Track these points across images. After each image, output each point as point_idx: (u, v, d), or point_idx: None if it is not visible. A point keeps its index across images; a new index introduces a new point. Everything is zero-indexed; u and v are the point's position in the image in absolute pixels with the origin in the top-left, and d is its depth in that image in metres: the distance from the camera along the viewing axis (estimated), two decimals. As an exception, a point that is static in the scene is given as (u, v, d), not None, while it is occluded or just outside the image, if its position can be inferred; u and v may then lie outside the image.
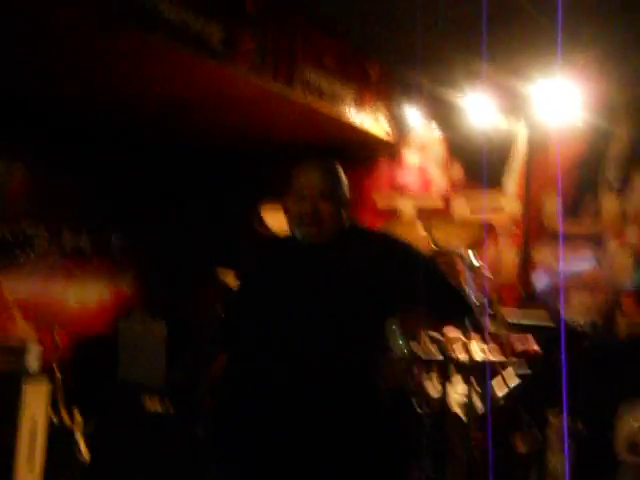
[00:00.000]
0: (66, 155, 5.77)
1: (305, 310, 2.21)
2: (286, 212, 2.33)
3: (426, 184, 5.94)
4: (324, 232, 2.26)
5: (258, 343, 2.23)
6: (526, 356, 4.39)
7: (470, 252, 3.91)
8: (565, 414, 4.17)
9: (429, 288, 2.11)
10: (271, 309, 2.26)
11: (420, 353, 3.64)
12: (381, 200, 5.96)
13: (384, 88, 5.68)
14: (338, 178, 2.33)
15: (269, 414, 2.15)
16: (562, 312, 5.08)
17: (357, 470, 2.10)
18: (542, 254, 5.38)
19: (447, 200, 5.77)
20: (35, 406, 4.36)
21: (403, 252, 2.29)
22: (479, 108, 5.35)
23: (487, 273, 4.17)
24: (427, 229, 4.04)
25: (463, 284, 3.18)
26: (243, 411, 2.21)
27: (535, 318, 4.79)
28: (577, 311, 5.04)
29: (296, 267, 2.29)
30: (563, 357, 3.93)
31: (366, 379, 2.15)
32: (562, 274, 5.29)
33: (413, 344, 3.50)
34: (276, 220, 4.54)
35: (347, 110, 5.27)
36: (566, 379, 4.14)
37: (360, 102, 5.41)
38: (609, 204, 5.20)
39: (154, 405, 4.52)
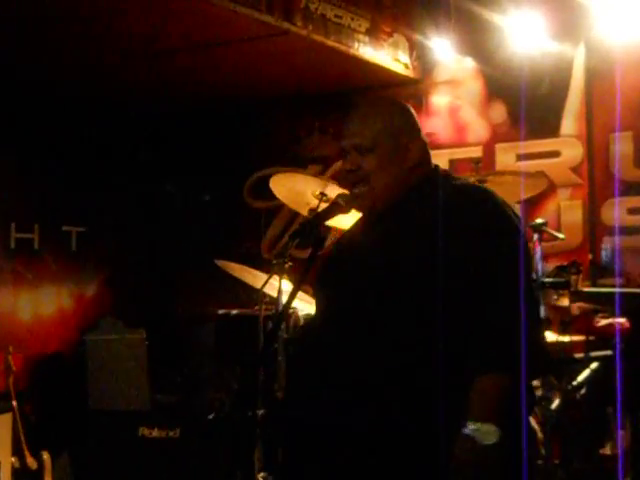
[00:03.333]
0: (4, 129, 5.87)
1: (342, 290, 2.36)
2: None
3: (460, 130, 6.08)
4: (374, 195, 2.36)
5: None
6: (609, 332, 4.52)
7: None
8: None
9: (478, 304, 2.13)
10: (325, 285, 2.44)
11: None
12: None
13: (402, 13, 5.84)
14: (383, 124, 2.35)
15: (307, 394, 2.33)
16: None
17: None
18: (612, 209, 5.52)
19: (488, 149, 5.92)
20: (-5, 445, 4.50)
21: (475, 229, 2.23)
22: (525, 30, 5.45)
23: (555, 233, 4.30)
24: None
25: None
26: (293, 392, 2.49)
27: (612, 286, 4.94)
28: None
29: (350, 240, 2.47)
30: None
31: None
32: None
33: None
34: (287, 190, 4.62)
35: (358, 44, 5.43)
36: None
37: (374, 32, 5.57)
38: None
39: (149, 431, 4.64)
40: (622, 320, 4.48)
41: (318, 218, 2.75)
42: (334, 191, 3.95)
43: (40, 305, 6.17)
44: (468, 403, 2.07)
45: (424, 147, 2.41)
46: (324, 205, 4.02)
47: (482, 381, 2.06)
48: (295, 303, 4.86)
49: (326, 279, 2.45)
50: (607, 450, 4.90)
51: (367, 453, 2.14)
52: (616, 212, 5.49)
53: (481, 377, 2.06)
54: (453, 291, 2.14)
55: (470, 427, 2.03)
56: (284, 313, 3.99)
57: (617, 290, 4.66)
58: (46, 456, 5.03)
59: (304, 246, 2.66)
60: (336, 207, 2.71)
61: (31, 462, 4.95)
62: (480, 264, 2.17)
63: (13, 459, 4.78)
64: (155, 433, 4.65)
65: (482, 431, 2.03)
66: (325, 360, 2.28)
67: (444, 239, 2.18)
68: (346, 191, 2.59)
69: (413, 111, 2.47)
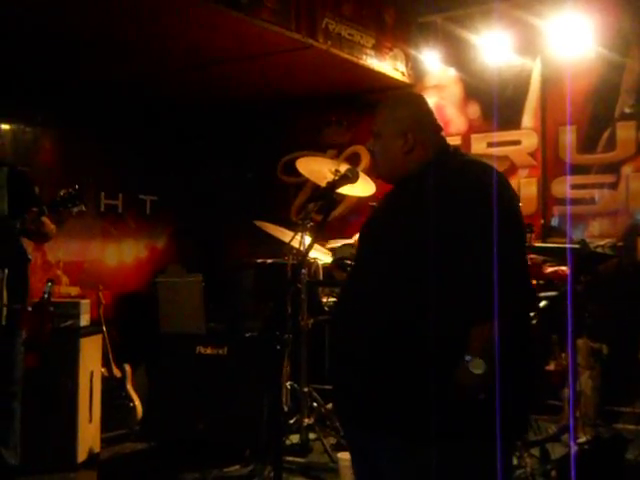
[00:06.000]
0: (97, 121, 5.96)
1: (359, 254, 2.31)
2: None
3: (444, 124, 5.99)
4: (382, 174, 2.27)
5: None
6: (554, 277, 4.55)
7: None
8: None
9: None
10: (359, 243, 2.35)
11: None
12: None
13: (400, 32, 5.80)
14: (387, 115, 2.22)
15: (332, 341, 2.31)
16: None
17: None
18: (560, 185, 5.52)
19: (465, 138, 5.90)
20: (91, 358, 4.60)
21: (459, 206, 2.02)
22: (494, 46, 5.45)
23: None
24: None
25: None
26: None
27: (557, 243, 4.97)
28: (597, 237, 5.22)
29: (377, 208, 2.38)
30: (569, 283, 4.09)
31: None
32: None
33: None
34: (310, 168, 4.66)
35: (366, 56, 5.43)
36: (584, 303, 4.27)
37: (378, 47, 5.56)
38: (623, 133, 5.31)
39: (204, 349, 4.72)
40: (564, 268, 4.51)
41: (331, 186, 2.73)
42: (345, 168, 4.01)
43: (123, 254, 6.26)
44: (467, 343, 1.98)
45: (429, 134, 2.22)
46: (338, 179, 4.07)
47: (477, 326, 1.98)
48: (316, 254, 4.94)
49: (359, 238, 2.36)
50: (551, 367, 4.97)
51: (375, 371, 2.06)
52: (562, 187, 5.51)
53: (476, 323, 1.98)
54: (443, 256, 2.00)
55: (467, 358, 1.97)
56: (304, 260, 4.04)
57: (561, 245, 4.67)
58: (128, 367, 5.19)
59: (323, 211, 2.66)
60: (345, 178, 2.75)
61: (116, 372, 5.12)
62: (463, 234, 2.01)
63: (103, 369, 4.89)
64: (209, 350, 4.71)
65: (473, 363, 1.96)
66: (349, 301, 2.22)
67: (435, 211, 2.02)
68: (353, 167, 2.56)
69: (424, 104, 2.29)
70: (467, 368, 1.96)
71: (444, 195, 2.03)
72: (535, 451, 4.06)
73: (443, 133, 2.32)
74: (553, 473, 3.86)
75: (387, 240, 2.12)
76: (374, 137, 2.25)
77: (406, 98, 2.42)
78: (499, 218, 1.97)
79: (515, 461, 3.85)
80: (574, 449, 3.88)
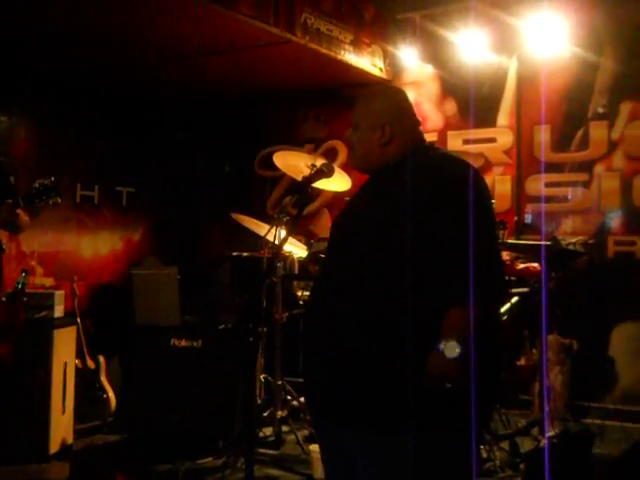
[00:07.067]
0: (74, 112, 5.92)
1: (332, 246, 2.29)
2: None
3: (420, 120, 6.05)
4: (358, 164, 2.26)
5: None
6: (526, 274, 4.58)
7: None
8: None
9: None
10: (330, 234, 2.33)
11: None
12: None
13: (378, 28, 5.81)
14: (365, 107, 2.21)
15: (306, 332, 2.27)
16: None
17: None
18: (534, 183, 5.56)
19: (441, 135, 5.91)
20: (64, 349, 4.57)
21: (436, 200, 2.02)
22: (471, 44, 5.47)
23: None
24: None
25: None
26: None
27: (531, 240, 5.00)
28: (569, 234, 5.28)
29: (350, 199, 2.36)
30: (544, 279, 4.12)
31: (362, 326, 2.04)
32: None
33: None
34: (286, 162, 4.66)
35: (344, 52, 5.43)
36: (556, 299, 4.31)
37: (356, 43, 5.56)
38: (596, 132, 5.37)
39: (179, 341, 4.70)
40: (536, 264, 4.55)
41: (307, 181, 2.72)
42: (321, 163, 4.00)
43: (98, 246, 6.22)
44: (441, 329, 1.96)
45: (407, 128, 2.22)
46: (314, 174, 4.07)
47: (451, 312, 1.96)
48: (292, 248, 4.93)
49: (331, 230, 2.34)
50: (522, 362, 5.03)
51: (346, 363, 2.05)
52: (536, 185, 5.54)
53: (450, 310, 1.96)
54: (420, 247, 2.00)
55: (441, 345, 1.93)
56: (279, 254, 4.02)
57: (533, 242, 4.69)
58: (102, 359, 5.14)
59: (298, 205, 2.69)
60: (321, 173, 2.74)
61: (90, 363, 5.08)
62: (439, 224, 2.01)
63: (77, 361, 4.84)
64: (183, 343, 4.69)
65: (448, 347, 1.92)
66: (322, 293, 2.21)
67: (411, 202, 2.01)
68: (328, 162, 2.56)
69: (404, 98, 2.29)
70: (441, 353, 1.93)
71: (421, 186, 2.03)
72: (505, 444, 4.12)
73: (421, 128, 2.32)
74: (522, 466, 3.91)
75: (362, 231, 2.11)
76: (353, 128, 2.24)
77: (386, 91, 2.43)
78: (476, 209, 1.99)
79: (485, 454, 3.91)
80: (546, 443, 3.93)
